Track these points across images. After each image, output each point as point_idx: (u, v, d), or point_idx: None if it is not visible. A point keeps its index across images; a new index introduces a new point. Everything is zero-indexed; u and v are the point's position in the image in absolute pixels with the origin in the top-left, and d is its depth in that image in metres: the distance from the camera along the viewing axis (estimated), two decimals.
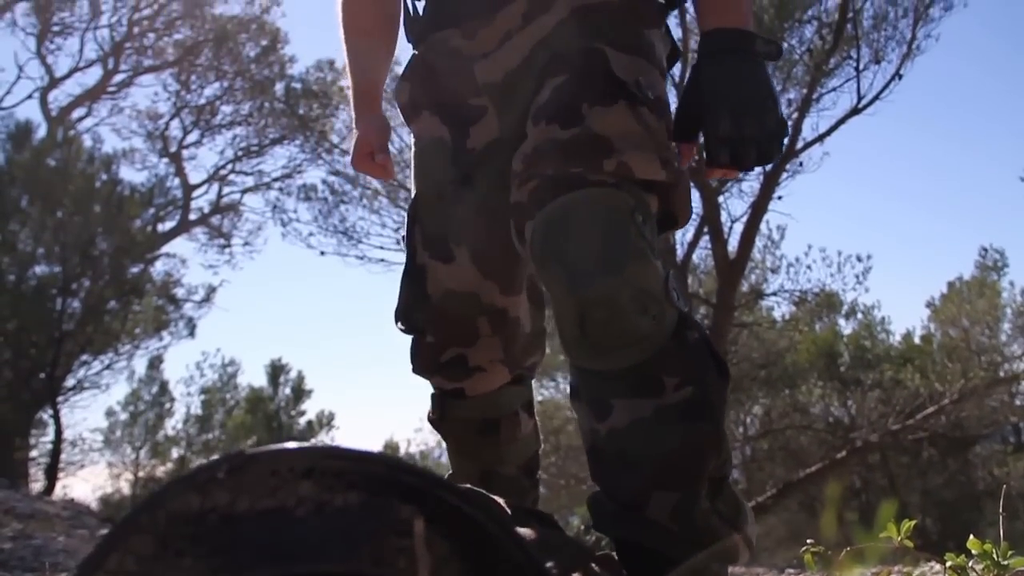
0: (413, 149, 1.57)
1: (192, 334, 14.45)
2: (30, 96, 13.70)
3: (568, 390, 1.32)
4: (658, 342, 1.19)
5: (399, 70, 1.65)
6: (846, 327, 15.93)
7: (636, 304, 1.17)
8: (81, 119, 14.02)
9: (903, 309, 33.96)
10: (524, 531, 1.00)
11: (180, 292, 14.37)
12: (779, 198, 10.67)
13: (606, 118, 1.26)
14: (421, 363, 1.54)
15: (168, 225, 14.34)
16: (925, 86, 31.38)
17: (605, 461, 1.23)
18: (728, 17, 1.30)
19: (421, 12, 1.53)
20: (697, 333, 1.23)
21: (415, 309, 1.51)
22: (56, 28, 13.28)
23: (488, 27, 1.40)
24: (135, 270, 13.20)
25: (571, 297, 1.19)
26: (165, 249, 14.18)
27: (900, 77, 10.13)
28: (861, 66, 10.13)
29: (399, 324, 1.54)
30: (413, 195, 1.55)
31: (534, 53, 1.37)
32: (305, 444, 0.60)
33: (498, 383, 1.56)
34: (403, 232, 1.56)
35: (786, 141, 1.23)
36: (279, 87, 13.30)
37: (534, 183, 1.26)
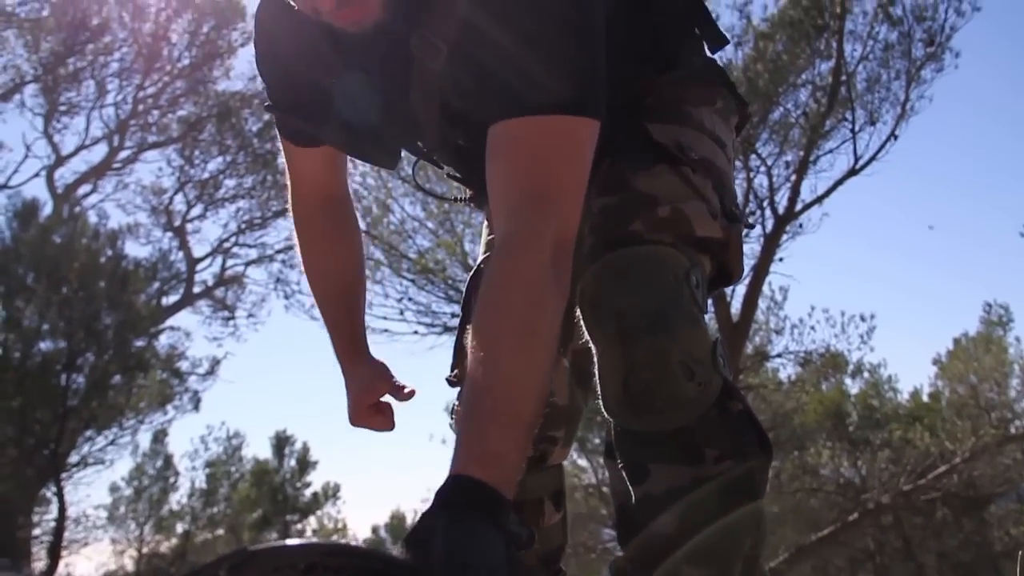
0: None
1: (196, 407, 14.42)
2: (37, 175, 13.90)
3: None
4: (701, 408, 1.17)
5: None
6: (853, 386, 15.82)
7: (684, 368, 1.16)
8: (86, 195, 14.20)
9: (910, 366, 33.87)
10: None
11: (184, 365, 14.38)
12: (780, 260, 10.73)
13: (648, 179, 1.28)
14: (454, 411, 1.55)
15: (172, 299, 14.41)
16: (923, 143, 31.71)
17: (636, 528, 1.21)
18: (487, 464, 0.94)
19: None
20: (741, 404, 1.21)
21: (459, 361, 1.52)
22: (63, 108, 13.52)
23: None
24: (140, 344, 13.22)
25: (618, 351, 1.18)
26: (169, 322, 14.24)
27: (896, 138, 10.26)
28: (857, 128, 10.27)
29: (448, 379, 1.55)
30: (477, 264, 1.58)
31: None
32: (306, 541, 0.60)
33: None
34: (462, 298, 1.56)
35: None
36: (281, 160, 13.44)
37: (591, 241, 1.27)
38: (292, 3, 1.17)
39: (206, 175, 14.26)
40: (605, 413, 1.22)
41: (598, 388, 1.22)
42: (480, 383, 1.00)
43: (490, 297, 1.06)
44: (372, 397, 1.58)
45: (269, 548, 0.61)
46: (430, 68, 1.21)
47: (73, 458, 12.56)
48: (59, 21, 12.59)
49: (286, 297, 12.54)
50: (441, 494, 0.91)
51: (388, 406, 1.60)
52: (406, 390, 1.59)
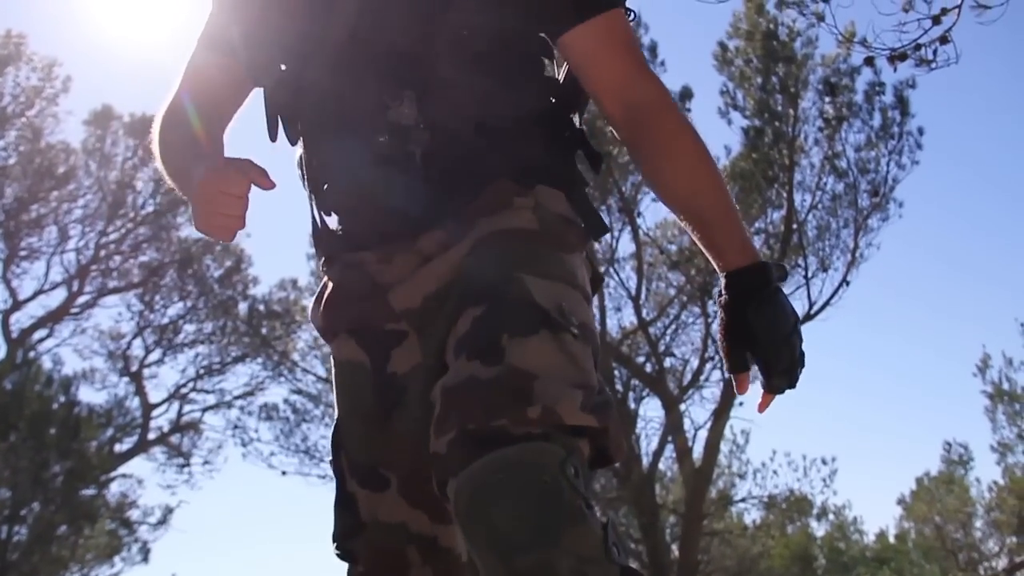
0: (332, 371, 1.51)
1: (146, 559, 13.92)
2: None
3: None
4: None
5: None
6: (819, 529, 15.69)
7: (576, 573, 1.09)
8: (42, 340, 13.98)
9: (875, 507, 33.59)
10: None
11: (135, 514, 13.96)
12: (740, 404, 10.78)
13: (527, 350, 1.21)
14: None
15: (126, 445, 14.07)
16: (875, 288, 32.48)
17: None
18: (747, 254, 1.38)
19: (332, 227, 1.47)
20: None
21: (349, 537, 1.43)
22: (23, 253, 13.48)
23: (405, 253, 1.38)
24: (88, 493, 12.82)
25: (503, 570, 1.10)
26: (122, 470, 13.87)
27: (848, 284, 10.53)
28: (809, 274, 10.53)
29: (335, 550, 1.46)
30: (335, 420, 1.47)
31: (453, 279, 1.33)
32: None
33: None
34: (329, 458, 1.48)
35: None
36: (243, 307, 13.54)
37: (453, 434, 1.19)
38: None
39: (166, 320, 14.17)
40: None
41: None
42: (712, 199, 1.38)
43: (667, 140, 1.40)
44: (229, 186, 1.24)
45: None
46: None
47: None
48: (25, 169, 12.71)
49: (244, 445, 12.36)
50: (735, 287, 1.37)
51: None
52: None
